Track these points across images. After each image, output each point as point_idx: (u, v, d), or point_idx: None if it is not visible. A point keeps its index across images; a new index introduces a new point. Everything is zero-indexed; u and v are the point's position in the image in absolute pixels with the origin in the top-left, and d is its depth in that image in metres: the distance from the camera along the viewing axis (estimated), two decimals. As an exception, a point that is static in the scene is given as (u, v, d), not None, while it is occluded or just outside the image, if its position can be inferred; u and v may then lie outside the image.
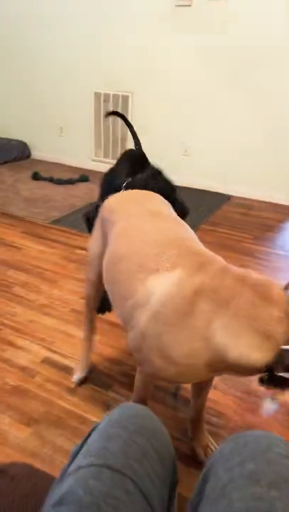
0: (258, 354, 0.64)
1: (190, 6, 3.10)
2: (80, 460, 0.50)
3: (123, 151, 3.64)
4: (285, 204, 3.34)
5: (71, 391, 1.28)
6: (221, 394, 1.31)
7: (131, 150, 1.93)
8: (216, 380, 1.35)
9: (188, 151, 3.58)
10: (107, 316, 1.56)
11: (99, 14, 3.45)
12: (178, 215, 1.08)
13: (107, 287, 0.96)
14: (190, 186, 3.63)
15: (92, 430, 0.57)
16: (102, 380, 1.34)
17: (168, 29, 3.25)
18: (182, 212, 1.44)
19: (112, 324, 1.61)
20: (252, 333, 0.64)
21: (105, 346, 1.49)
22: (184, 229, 0.93)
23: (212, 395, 1.29)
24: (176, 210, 1.11)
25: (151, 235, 0.86)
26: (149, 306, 0.75)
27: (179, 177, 3.69)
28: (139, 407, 0.61)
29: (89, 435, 0.57)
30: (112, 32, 3.46)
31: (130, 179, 1.44)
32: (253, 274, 0.71)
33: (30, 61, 3.96)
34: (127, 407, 0.60)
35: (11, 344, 1.48)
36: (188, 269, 0.74)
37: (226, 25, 3.04)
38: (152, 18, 3.27)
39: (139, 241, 0.86)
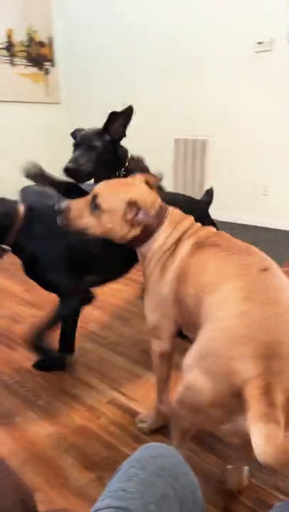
0: None
1: (270, 50, 3.14)
2: (99, 502, 0.50)
3: (200, 192, 3.66)
4: None
5: (136, 438, 1.22)
6: None
7: None
8: None
9: (267, 191, 3.48)
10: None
11: (178, 61, 3.67)
12: None
13: None
14: (268, 226, 3.50)
15: (116, 471, 0.56)
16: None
17: (247, 74, 3.31)
18: None
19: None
20: None
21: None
22: None
23: None
24: None
25: None
26: None
27: (257, 217, 3.62)
28: (162, 446, 0.59)
29: (113, 476, 0.56)
30: (191, 78, 3.64)
31: None
32: None
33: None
34: (149, 447, 0.59)
35: (81, 381, 1.49)
36: None
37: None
38: (232, 64, 3.37)
39: None
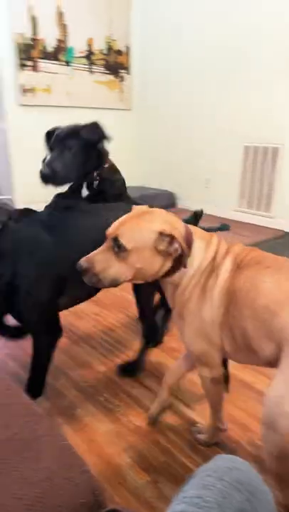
0: None
1: None
2: (174, 506, 0.49)
3: (268, 202, 3.53)
4: None
5: (193, 448, 1.21)
6: None
7: None
8: None
9: None
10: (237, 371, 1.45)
11: (249, 66, 3.58)
12: None
13: None
14: None
15: (190, 478, 0.55)
16: (229, 446, 1.23)
17: None
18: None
19: (241, 382, 1.49)
20: None
21: (233, 407, 1.38)
22: None
23: None
24: None
25: None
26: None
27: None
28: (237, 459, 0.58)
29: (186, 483, 0.55)
30: (263, 83, 3.53)
31: None
32: None
33: (181, 117, 4.33)
34: (224, 458, 0.58)
35: (141, 383, 1.51)
36: None
37: None
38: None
39: None
